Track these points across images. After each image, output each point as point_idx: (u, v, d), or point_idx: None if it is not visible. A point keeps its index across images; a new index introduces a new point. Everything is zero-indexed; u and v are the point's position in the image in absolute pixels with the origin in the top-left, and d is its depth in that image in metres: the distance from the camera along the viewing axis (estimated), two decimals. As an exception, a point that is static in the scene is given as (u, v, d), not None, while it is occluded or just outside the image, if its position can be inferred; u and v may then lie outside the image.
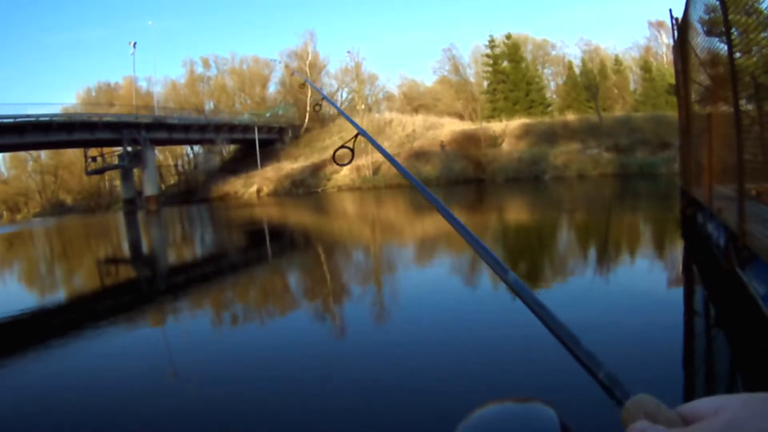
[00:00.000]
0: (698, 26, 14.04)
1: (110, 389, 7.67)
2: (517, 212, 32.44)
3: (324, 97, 4.61)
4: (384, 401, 6.59)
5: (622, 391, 0.97)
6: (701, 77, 14.48)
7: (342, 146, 3.09)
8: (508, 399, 1.82)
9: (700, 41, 13.38)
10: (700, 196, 14.17)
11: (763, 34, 8.20)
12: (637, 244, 17.90)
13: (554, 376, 6.43)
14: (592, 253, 16.78)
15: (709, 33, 12.95)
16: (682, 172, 20.83)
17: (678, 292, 11.41)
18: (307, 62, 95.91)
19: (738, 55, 8.79)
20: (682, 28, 16.42)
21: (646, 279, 12.34)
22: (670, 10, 18.44)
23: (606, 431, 5.32)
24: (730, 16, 9.01)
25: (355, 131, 2.96)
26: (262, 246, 25.81)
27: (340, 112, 4.05)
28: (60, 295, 18.20)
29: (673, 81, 68.51)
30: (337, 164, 3.05)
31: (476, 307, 10.90)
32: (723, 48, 10.32)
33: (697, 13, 13.51)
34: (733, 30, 9.29)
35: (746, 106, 9.19)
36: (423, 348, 8.38)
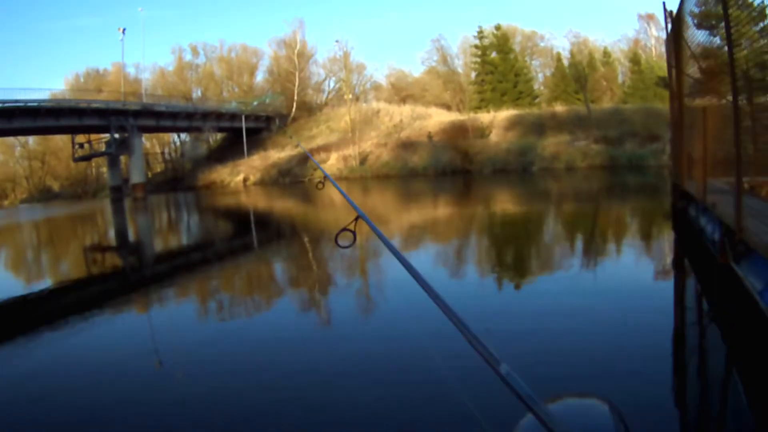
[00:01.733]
0: (689, 19, 14.00)
1: (94, 379, 7.65)
2: (504, 205, 32.35)
3: (326, 176, 4.62)
4: (373, 394, 6.57)
5: None
6: (694, 70, 14.43)
7: (344, 229, 3.15)
8: (565, 395, 1.79)
9: (695, 34, 13.32)
10: (693, 189, 14.14)
11: (754, 28, 8.17)
12: (630, 237, 17.96)
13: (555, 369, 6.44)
14: (584, 245, 16.77)
15: (699, 26, 12.91)
16: (673, 164, 20.83)
17: (669, 286, 11.41)
18: (296, 51, 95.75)
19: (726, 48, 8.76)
20: (676, 20, 16.36)
21: (638, 271, 12.37)
22: (664, 3, 18.42)
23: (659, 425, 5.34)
24: (721, 9, 8.97)
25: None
26: (248, 235, 25.81)
27: (342, 193, 4.14)
28: (43, 282, 18.08)
29: (662, 73, 68.64)
30: (340, 246, 3.11)
31: (465, 298, 10.84)
32: (721, 41, 10.28)
33: (691, 6, 13.47)
34: (722, 23, 9.25)
35: (741, 100, 9.15)
36: (411, 339, 8.31)
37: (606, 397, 1.95)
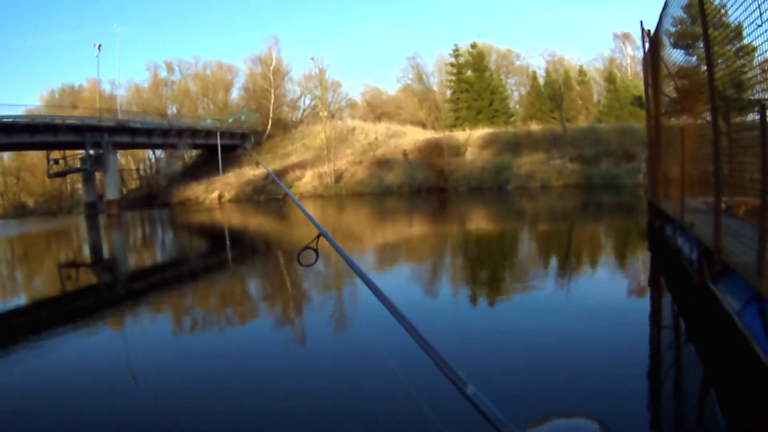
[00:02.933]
0: (665, 38, 14.04)
1: (66, 396, 7.66)
2: (479, 224, 32.36)
3: (288, 194, 4.64)
4: (345, 411, 6.54)
5: None
6: (671, 89, 14.47)
7: (306, 247, 3.22)
8: (552, 416, 1.76)
9: (672, 53, 13.36)
10: (669, 208, 14.17)
11: (730, 47, 8.20)
12: (606, 257, 17.94)
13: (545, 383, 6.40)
14: (559, 265, 16.73)
15: (675, 45, 12.95)
16: (649, 184, 20.88)
17: (646, 305, 11.39)
18: (271, 68, 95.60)
19: (704, 68, 8.79)
20: (654, 40, 16.40)
21: (614, 291, 12.33)
22: (641, 22, 18.45)
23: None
24: (698, 29, 9.00)
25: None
26: (222, 252, 25.74)
27: (303, 211, 4.18)
28: (16, 299, 17.89)
29: (637, 92, 69.06)
30: (302, 265, 3.12)
31: (436, 318, 10.79)
32: (697, 61, 10.31)
33: (667, 26, 13.52)
34: (699, 43, 9.28)
35: (719, 119, 9.17)
36: (381, 357, 8.30)
37: (595, 416, 1.93)
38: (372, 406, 6.69)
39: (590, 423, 1.89)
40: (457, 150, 70.95)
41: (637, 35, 68.26)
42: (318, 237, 3.17)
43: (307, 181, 69.63)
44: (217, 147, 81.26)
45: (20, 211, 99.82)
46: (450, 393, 2.02)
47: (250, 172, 76.43)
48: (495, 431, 1.63)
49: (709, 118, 8.85)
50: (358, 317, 11.49)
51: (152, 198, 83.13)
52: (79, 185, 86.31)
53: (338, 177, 69.14)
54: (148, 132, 78.54)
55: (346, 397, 6.99)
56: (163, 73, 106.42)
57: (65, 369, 8.87)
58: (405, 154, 70.61)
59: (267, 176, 72.23)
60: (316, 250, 3.11)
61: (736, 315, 6.98)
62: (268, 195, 70.00)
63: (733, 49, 8.18)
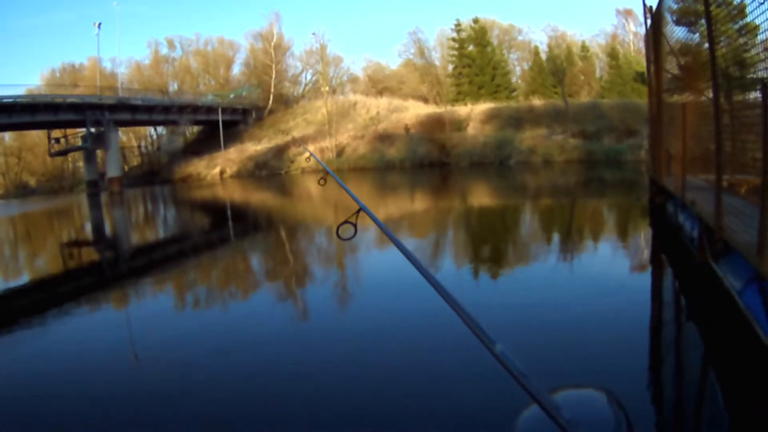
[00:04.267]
0: (667, 15, 14.00)
1: (70, 373, 7.72)
2: (482, 199, 32.38)
3: (329, 173, 4.73)
4: (353, 391, 6.54)
5: None
6: (673, 66, 14.44)
7: (345, 222, 3.20)
8: (562, 387, 1.82)
9: (674, 30, 13.33)
10: (671, 185, 14.15)
11: (732, 26, 8.18)
12: (608, 233, 17.92)
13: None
14: (561, 241, 16.75)
15: (678, 22, 12.92)
16: (651, 160, 20.85)
17: (647, 283, 11.40)
18: (272, 44, 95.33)
19: (706, 46, 8.77)
20: (656, 16, 16.36)
21: (615, 268, 12.34)
22: (644, -1, 18.40)
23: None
24: (700, 7, 8.98)
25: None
26: (224, 228, 25.76)
27: (343, 187, 4.26)
28: (19, 278, 17.92)
29: (639, 68, 68.86)
30: (341, 239, 3.18)
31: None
32: (700, 38, 10.28)
33: (670, 3, 13.47)
34: (701, 21, 9.26)
35: (720, 97, 9.16)
36: (384, 335, 8.34)
37: (604, 387, 1.98)
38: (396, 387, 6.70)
39: (599, 394, 1.95)
40: (459, 125, 70.81)
41: (639, 11, 68.10)
42: (358, 212, 3.21)
43: (308, 156, 69.50)
44: (218, 123, 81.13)
45: (22, 191, 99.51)
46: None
47: (252, 147, 76.46)
48: (519, 386, 1.67)
49: (710, 95, 8.84)
50: (370, 294, 11.57)
51: (154, 175, 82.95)
52: (81, 164, 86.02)
53: (340, 152, 69.06)
54: (149, 109, 78.35)
55: (363, 374, 7.04)
56: (164, 50, 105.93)
57: (67, 347, 8.92)
58: (407, 128, 70.43)
59: (269, 151, 72.39)
60: (354, 225, 3.13)
61: (737, 294, 6.98)
62: (270, 170, 70.05)
63: (736, 27, 8.16)
